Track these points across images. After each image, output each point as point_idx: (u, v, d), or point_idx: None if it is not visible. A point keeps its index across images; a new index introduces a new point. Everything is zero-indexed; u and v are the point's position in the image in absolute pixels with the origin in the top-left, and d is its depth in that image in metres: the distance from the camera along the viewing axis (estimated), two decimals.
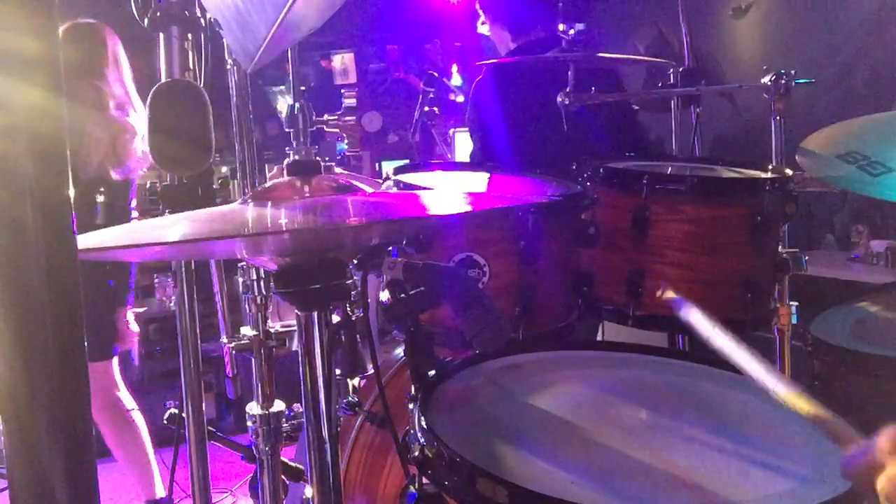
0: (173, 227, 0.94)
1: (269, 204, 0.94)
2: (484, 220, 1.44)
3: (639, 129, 2.66)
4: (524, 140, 2.38)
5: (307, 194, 0.97)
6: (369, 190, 1.05)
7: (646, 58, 2.95)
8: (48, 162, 0.43)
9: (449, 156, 3.98)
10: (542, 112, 2.31)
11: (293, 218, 0.90)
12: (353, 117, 1.37)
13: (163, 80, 1.28)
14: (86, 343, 0.45)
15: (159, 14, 1.28)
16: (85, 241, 0.77)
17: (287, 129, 1.09)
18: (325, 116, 1.38)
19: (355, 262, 1.04)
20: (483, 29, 2.83)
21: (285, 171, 1.02)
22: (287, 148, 1.05)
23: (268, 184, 1.03)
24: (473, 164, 2.33)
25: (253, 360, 1.47)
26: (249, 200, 0.97)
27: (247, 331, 1.49)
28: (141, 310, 3.30)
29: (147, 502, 2.89)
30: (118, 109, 2.80)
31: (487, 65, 2.63)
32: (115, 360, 2.85)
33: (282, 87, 5.26)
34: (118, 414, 2.82)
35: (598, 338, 2.28)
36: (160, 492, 2.87)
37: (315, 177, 1.00)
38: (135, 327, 2.92)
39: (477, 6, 2.78)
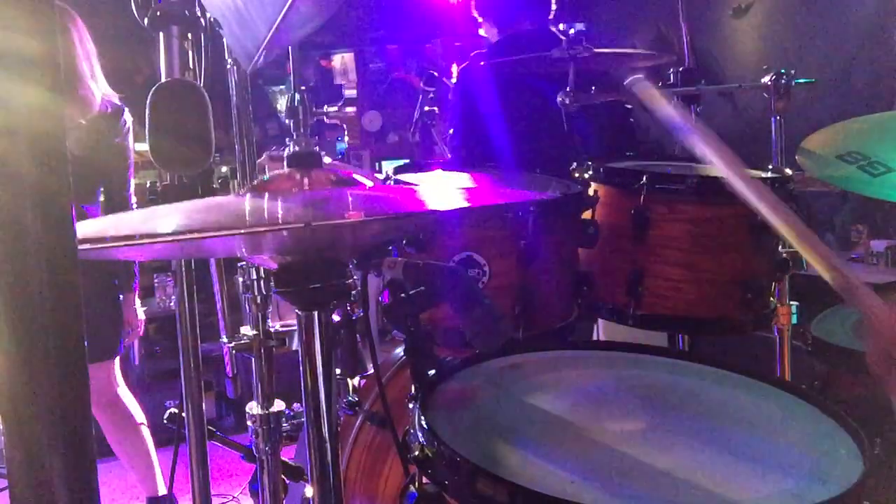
0: (167, 219, 0.94)
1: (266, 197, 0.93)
2: (483, 218, 1.44)
3: (633, 128, 2.66)
4: (514, 135, 2.38)
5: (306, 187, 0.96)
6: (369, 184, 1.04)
7: (645, 51, 2.95)
8: (48, 162, 0.43)
9: (449, 155, 3.99)
10: (534, 109, 2.32)
11: (291, 211, 0.89)
12: (354, 108, 1.36)
13: (163, 79, 1.28)
14: (87, 344, 0.45)
15: (159, 14, 1.28)
16: (84, 230, 0.77)
17: (286, 120, 1.08)
18: (326, 108, 1.37)
19: (355, 261, 1.04)
20: (481, 31, 2.85)
21: (284, 163, 1.00)
22: (287, 139, 1.03)
23: (266, 176, 1.01)
24: (473, 165, 2.32)
25: (253, 359, 1.47)
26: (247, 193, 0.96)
27: (247, 331, 1.49)
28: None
29: (149, 499, 2.88)
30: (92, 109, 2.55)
31: (475, 55, 2.64)
32: (118, 359, 2.82)
33: (282, 87, 5.26)
34: (119, 412, 2.80)
35: (596, 338, 2.28)
36: (162, 489, 2.86)
37: (314, 169, 0.98)
38: (141, 315, 2.81)
39: (473, 9, 2.78)
